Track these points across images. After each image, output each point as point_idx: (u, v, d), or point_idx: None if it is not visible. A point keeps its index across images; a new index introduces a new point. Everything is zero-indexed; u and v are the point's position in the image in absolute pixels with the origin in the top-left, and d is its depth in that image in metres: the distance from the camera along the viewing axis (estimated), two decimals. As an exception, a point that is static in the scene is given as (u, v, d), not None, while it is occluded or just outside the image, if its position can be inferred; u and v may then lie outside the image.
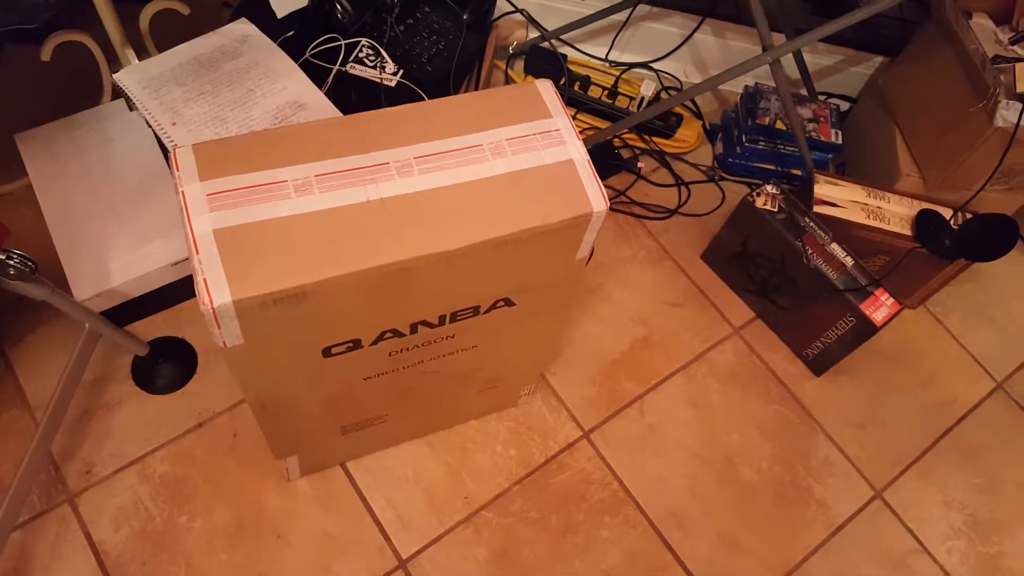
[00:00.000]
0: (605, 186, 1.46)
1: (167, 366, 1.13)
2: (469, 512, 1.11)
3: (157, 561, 1.02)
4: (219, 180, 0.66)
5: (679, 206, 1.48)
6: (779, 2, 1.47)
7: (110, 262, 1.10)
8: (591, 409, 1.23)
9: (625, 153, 1.51)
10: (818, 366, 1.32)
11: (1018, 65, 1.13)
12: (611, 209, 1.45)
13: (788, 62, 1.53)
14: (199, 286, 0.63)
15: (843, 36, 1.54)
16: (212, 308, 0.63)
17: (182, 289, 1.16)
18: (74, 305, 0.98)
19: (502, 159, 0.73)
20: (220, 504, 1.06)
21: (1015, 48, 1.17)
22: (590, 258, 1.37)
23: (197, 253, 0.63)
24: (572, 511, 1.14)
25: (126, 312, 1.14)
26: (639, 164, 1.49)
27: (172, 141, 0.97)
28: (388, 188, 0.69)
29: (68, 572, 1.00)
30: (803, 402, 1.30)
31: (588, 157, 0.75)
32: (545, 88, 0.79)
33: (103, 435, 1.09)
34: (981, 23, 1.22)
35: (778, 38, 1.25)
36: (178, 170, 0.67)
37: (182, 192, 0.66)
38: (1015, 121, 1.15)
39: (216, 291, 0.63)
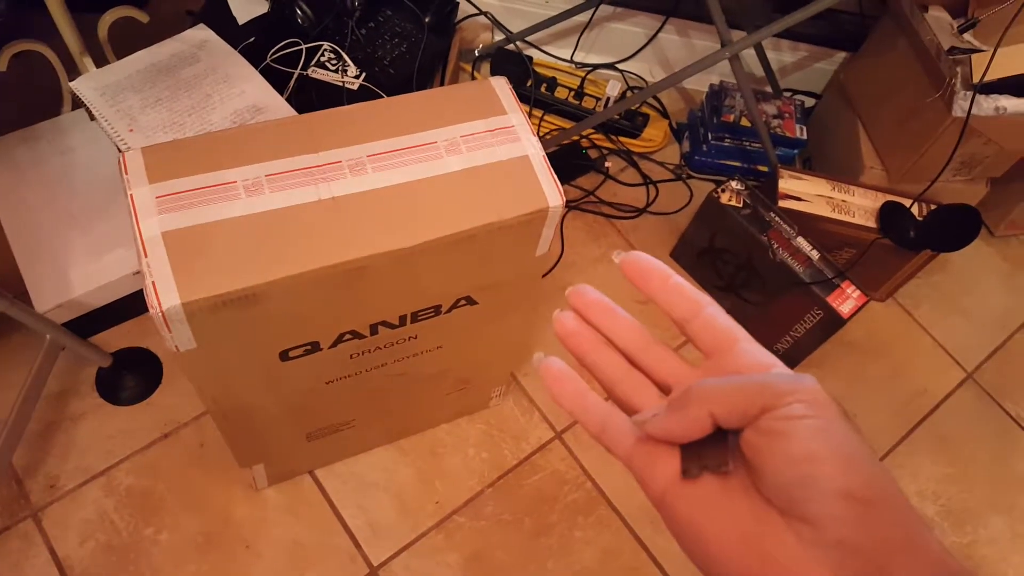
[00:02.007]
0: (574, 186, 1.47)
1: (131, 377, 1.12)
2: (441, 517, 1.11)
3: (124, 575, 1.00)
4: (168, 183, 0.66)
5: (647, 205, 1.48)
6: (739, 0, 1.48)
7: (71, 272, 1.08)
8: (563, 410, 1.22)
9: (593, 153, 1.51)
10: (789, 360, 1.32)
11: (974, 56, 1.14)
12: (580, 209, 1.45)
13: (753, 60, 1.54)
14: (147, 289, 0.62)
15: (805, 33, 1.56)
16: (161, 311, 0.62)
17: (144, 299, 1.14)
18: (34, 316, 0.97)
19: (457, 156, 0.73)
20: (187, 515, 1.05)
21: (969, 39, 1.18)
22: (560, 258, 1.37)
23: (145, 256, 0.63)
24: (545, 512, 1.13)
25: (89, 323, 1.13)
26: (607, 164, 1.50)
27: (128, 147, 0.96)
28: (340, 187, 0.68)
29: (32, 588, 0.98)
30: (775, 397, 1.30)
31: (544, 153, 0.75)
32: (500, 85, 0.79)
33: (67, 448, 1.08)
34: (937, 15, 1.23)
35: (739, 36, 1.26)
36: (126, 173, 0.66)
37: (130, 195, 0.65)
38: (972, 112, 1.16)
39: (164, 294, 0.62)
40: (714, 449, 0.31)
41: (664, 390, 0.35)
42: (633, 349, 0.36)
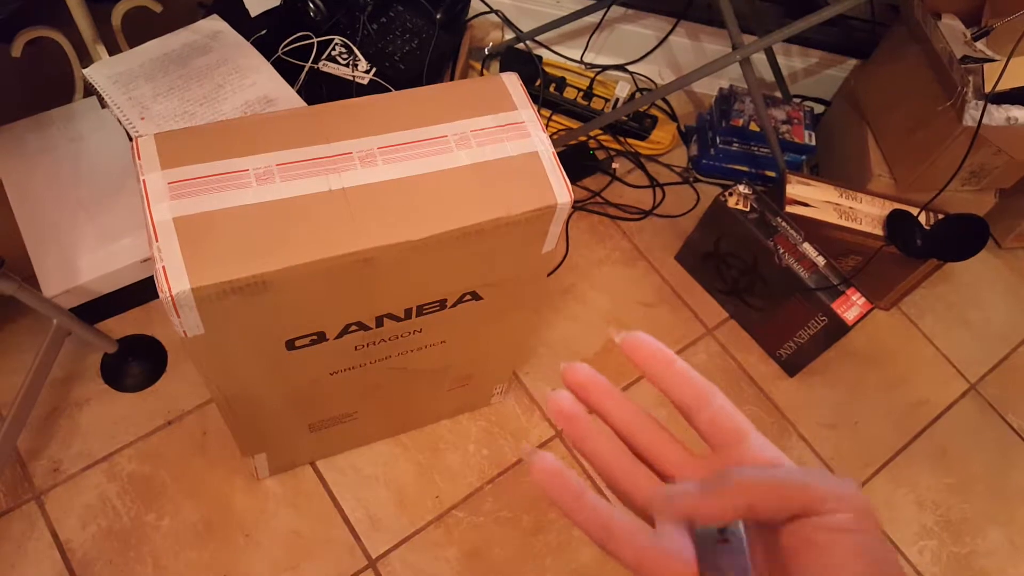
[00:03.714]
0: (580, 187, 1.47)
1: (136, 364, 1.13)
2: (440, 512, 1.11)
3: (124, 560, 1.01)
4: (180, 169, 0.66)
5: (653, 207, 1.48)
6: (751, 5, 1.48)
7: (79, 259, 1.09)
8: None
9: (600, 154, 1.52)
10: (791, 366, 1.33)
11: (987, 65, 1.14)
12: (586, 210, 1.45)
13: (763, 65, 1.54)
14: (158, 273, 0.63)
15: (816, 39, 1.56)
16: (171, 296, 0.62)
17: (152, 287, 1.14)
18: (42, 301, 0.97)
19: (467, 150, 0.73)
20: (188, 503, 1.05)
21: (981, 48, 1.18)
22: (564, 259, 1.38)
23: (156, 240, 0.63)
24: (544, 510, 1.13)
25: (96, 309, 1.13)
26: (614, 165, 1.50)
27: (140, 135, 0.97)
28: (351, 178, 0.69)
29: (34, 570, 0.99)
30: (776, 402, 1.31)
31: (553, 149, 0.75)
32: (511, 81, 0.79)
33: (71, 433, 1.08)
34: (950, 24, 1.23)
35: (751, 40, 1.26)
36: (140, 159, 0.67)
37: (143, 180, 0.66)
38: (983, 121, 1.16)
39: (175, 279, 0.62)
40: (733, 557, 0.30)
41: (667, 481, 0.34)
42: (632, 434, 0.35)
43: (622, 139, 1.53)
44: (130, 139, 1.01)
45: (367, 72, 1.19)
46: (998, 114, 1.16)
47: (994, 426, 1.37)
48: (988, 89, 1.13)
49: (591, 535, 0.32)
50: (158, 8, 1.17)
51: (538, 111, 0.78)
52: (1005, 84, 1.12)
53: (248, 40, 1.09)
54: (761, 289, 1.29)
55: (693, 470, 0.33)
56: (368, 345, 0.83)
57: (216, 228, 0.64)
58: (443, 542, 1.09)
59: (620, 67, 1.63)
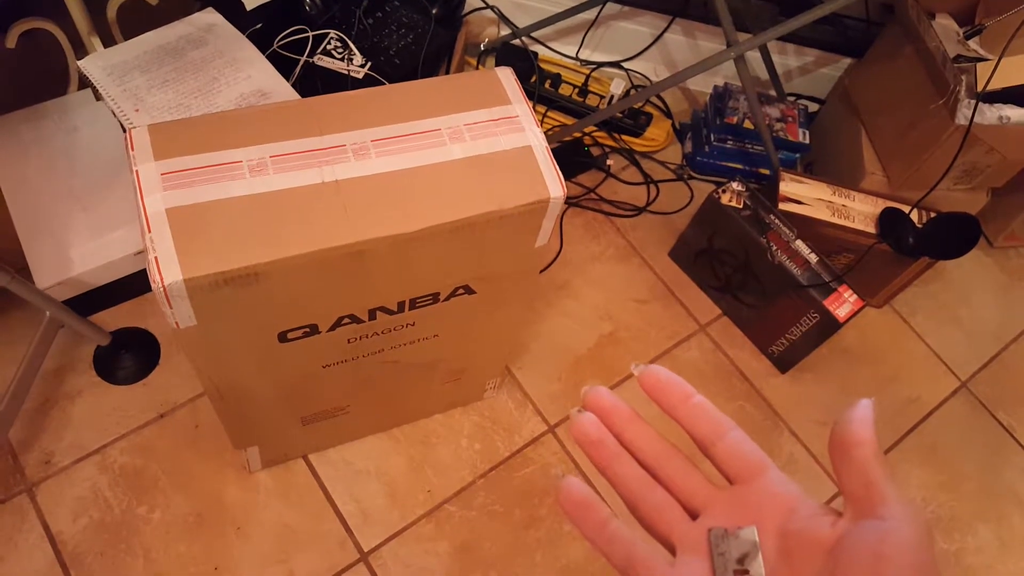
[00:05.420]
0: (574, 183, 1.47)
1: (129, 356, 1.13)
2: (431, 506, 1.11)
3: (115, 552, 1.01)
4: (173, 160, 0.66)
5: (648, 204, 1.49)
6: (746, 3, 1.48)
7: (73, 250, 1.09)
8: (557, 404, 1.23)
9: (595, 151, 1.52)
10: (783, 363, 1.33)
11: (979, 64, 1.15)
12: (580, 206, 1.45)
13: (758, 64, 1.55)
14: (150, 264, 0.63)
15: (811, 38, 1.56)
16: (163, 286, 0.63)
17: (145, 279, 1.14)
18: (35, 292, 0.97)
19: (460, 144, 0.73)
20: (179, 495, 1.05)
21: (974, 47, 1.19)
22: (558, 254, 1.38)
23: (149, 231, 0.63)
24: (535, 505, 1.14)
25: (89, 301, 1.13)
26: (608, 162, 1.50)
27: (134, 127, 0.96)
28: (344, 170, 0.69)
29: (25, 562, 0.99)
30: (768, 399, 1.31)
31: (547, 144, 0.76)
32: (505, 75, 0.79)
33: (63, 425, 1.08)
34: (944, 23, 1.24)
35: (745, 38, 1.26)
36: (133, 150, 0.67)
37: (136, 171, 0.66)
38: (976, 120, 1.17)
39: (167, 269, 0.62)
40: None
41: (689, 511, 0.34)
42: (655, 462, 0.35)
43: (617, 136, 1.53)
44: (124, 131, 1.01)
45: (362, 67, 1.19)
46: (990, 113, 1.17)
47: (984, 424, 1.38)
48: (980, 88, 1.14)
49: (612, 562, 0.33)
50: (154, 0, 1.17)
51: (533, 107, 0.78)
52: (997, 83, 1.13)
53: (243, 33, 1.09)
54: (754, 286, 1.30)
55: (715, 501, 0.34)
56: (361, 338, 0.83)
57: (209, 219, 0.64)
58: (434, 536, 1.09)
59: (615, 64, 1.63)
